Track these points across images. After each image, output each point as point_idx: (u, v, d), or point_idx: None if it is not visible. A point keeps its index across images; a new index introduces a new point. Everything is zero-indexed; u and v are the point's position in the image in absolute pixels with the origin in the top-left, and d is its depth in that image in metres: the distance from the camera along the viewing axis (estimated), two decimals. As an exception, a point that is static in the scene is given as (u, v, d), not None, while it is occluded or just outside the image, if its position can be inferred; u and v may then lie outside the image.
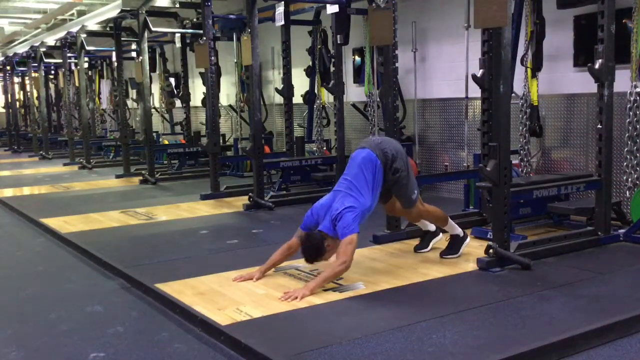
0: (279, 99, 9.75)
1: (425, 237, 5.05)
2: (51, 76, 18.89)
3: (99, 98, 16.65)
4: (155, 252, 5.38)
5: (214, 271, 4.60)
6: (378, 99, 7.81)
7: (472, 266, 4.55)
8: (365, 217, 4.32)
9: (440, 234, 5.02)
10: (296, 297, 3.87)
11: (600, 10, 4.84)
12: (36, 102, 17.28)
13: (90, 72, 16.29)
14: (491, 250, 4.42)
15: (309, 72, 9.33)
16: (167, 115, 13.50)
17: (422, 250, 4.99)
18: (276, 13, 8.07)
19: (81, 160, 12.80)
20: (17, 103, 19.57)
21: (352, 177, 4.35)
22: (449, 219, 4.89)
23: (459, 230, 4.89)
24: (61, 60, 13.93)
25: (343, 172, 4.50)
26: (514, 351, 2.93)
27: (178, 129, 13.19)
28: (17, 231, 6.67)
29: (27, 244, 6.03)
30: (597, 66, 4.88)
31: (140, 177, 9.98)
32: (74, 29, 12.00)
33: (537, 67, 6.20)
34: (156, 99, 13.90)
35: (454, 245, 4.85)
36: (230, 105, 11.88)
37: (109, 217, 7.03)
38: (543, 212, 5.68)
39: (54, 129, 18.71)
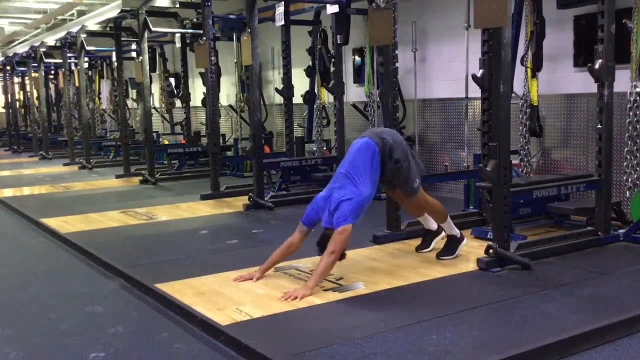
0: (279, 99, 9.76)
1: (427, 237, 5.05)
2: (51, 76, 18.90)
3: (99, 98, 16.66)
4: (155, 252, 5.38)
5: (214, 271, 4.60)
6: (378, 99, 7.81)
7: (472, 266, 4.55)
8: (364, 207, 4.28)
9: (443, 232, 5.01)
10: (296, 297, 3.87)
11: (600, 10, 4.84)
12: (36, 102, 17.28)
13: (90, 72, 16.28)
14: (491, 250, 4.42)
15: (309, 72, 9.33)
16: (167, 115, 13.50)
17: (424, 250, 4.98)
18: (276, 13, 8.08)
19: (81, 160, 12.80)
20: (17, 103, 19.57)
21: (350, 165, 4.35)
22: (448, 217, 4.89)
23: (456, 231, 4.89)
24: (61, 60, 13.93)
25: (343, 159, 4.50)
26: (514, 351, 2.93)
27: (178, 129, 13.19)
28: (17, 231, 6.67)
29: (27, 244, 6.03)
30: (597, 66, 4.88)
31: (140, 177, 9.98)
32: (74, 29, 12.00)
33: (537, 67, 6.20)
34: (156, 99, 13.90)
35: (451, 246, 4.85)
36: (230, 105, 11.88)
37: (109, 217, 7.03)
38: (543, 212, 5.68)
39: (54, 129, 18.71)
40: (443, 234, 5.00)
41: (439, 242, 5.01)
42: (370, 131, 4.64)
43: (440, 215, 4.88)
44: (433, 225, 5.03)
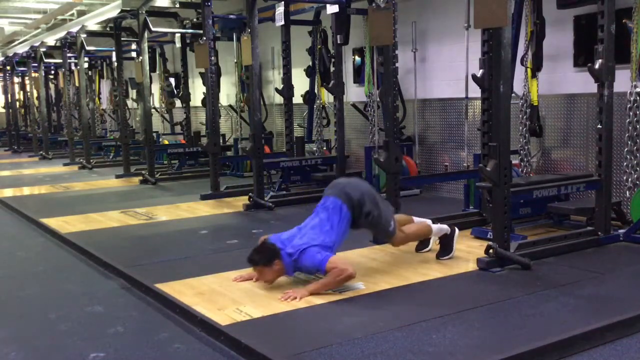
0: (279, 99, 9.75)
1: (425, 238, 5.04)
2: (51, 76, 18.89)
3: (99, 98, 16.65)
4: (155, 252, 5.38)
5: (214, 271, 4.60)
6: (378, 99, 7.81)
7: (472, 266, 4.55)
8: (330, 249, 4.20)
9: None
10: (296, 297, 3.88)
11: (600, 10, 4.84)
12: (36, 102, 17.28)
13: (90, 72, 16.28)
14: (491, 250, 4.42)
15: (309, 72, 9.33)
16: (167, 115, 13.49)
17: (423, 251, 4.98)
18: (276, 13, 8.07)
19: (81, 160, 12.80)
20: (17, 103, 19.57)
21: (318, 221, 4.27)
22: (432, 226, 4.84)
23: (445, 229, 4.84)
24: (61, 60, 13.93)
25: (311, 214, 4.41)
26: (514, 351, 2.93)
27: (178, 129, 13.19)
28: (17, 231, 6.67)
29: (27, 244, 6.03)
30: (597, 66, 4.88)
31: (140, 177, 9.98)
32: (74, 29, 12.00)
33: (537, 67, 6.20)
34: (156, 99, 13.90)
35: (446, 245, 4.82)
36: (230, 105, 11.88)
37: (109, 217, 7.03)
38: (543, 212, 5.68)
39: (54, 129, 18.71)
40: (436, 238, 4.95)
41: (437, 241, 4.99)
42: (336, 187, 4.45)
43: (425, 233, 4.85)
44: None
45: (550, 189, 5.13)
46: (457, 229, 4.90)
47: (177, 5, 10.00)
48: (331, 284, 4.02)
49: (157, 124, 13.54)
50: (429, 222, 4.92)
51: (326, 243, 4.15)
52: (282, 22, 8.12)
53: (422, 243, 5.03)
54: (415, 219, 4.94)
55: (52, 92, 19.41)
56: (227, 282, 4.34)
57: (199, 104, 11.76)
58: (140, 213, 7.21)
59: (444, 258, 4.77)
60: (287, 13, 8.13)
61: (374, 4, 5.38)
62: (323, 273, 4.06)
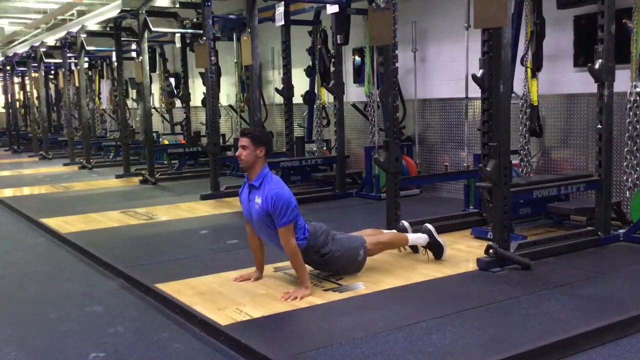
0: (279, 99, 9.75)
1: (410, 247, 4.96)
2: (51, 76, 18.90)
3: (99, 98, 16.65)
4: (155, 252, 5.38)
5: (214, 271, 4.60)
6: (378, 99, 7.81)
7: (472, 266, 4.55)
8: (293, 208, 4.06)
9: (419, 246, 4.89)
10: (296, 297, 3.88)
11: (600, 10, 4.84)
12: (36, 102, 17.28)
13: (90, 72, 16.28)
14: (491, 250, 4.42)
15: (309, 72, 9.33)
16: (167, 115, 13.50)
17: (418, 250, 4.94)
18: (276, 13, 8.08)
19: (81, 160, 12.81)
20: (17, 103, 19.57)
21: None
22: (409, 237, 4.75)
23: (423, 237, 4.75)
24: (61, 60, 13.93)
25: None
26: (514, 351, 2.93)
27: (178, 129, 13.19)
28: (17, 231, 6.67)
29: (27, 244, 6.03)
30: (597, 66, 4.88)
31: (140, 177, 9.98)
32: (74, 29, 12.00)
33: (537, 67, 6.20)
34: (156, 99, 13.90)
35: (434, 246, 4.76)
36: (230, 105, 11.88)
37: (109, 217, 7.03)
38: (543, 212, 5.68)
39: (54, 129, 18.71)
40: (422, 250, 4.86)
41: (422, 251, 4.88)
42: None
43: (402, 243, 4.78)
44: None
45: (550, 189, 5.13)
46: (430, 226, 4.77)
47: (177, 5, 10.00)
48: (298, 262, 4.02)
49: (157, 124, 13.55)
50: (398, 234, 4.84)
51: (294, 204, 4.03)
52: (282, 22, 8.12)
53: (412, 247, 4.98)
54: (385, 232, 4.87)
55: (52, 92, 19.42)
56: (227, 282, 4.34)
57: (199, 104, 11.76)
58: (140, 213, 7.21)
59: (442, 257, 4.75)
60: (287, 13, 8.13)
61: (374, 4, 5.38)
62: (275, 228, 4.00)
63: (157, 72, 13.19)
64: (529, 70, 6.18)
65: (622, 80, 5.38)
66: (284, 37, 8.40)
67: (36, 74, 16.19)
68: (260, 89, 7.54)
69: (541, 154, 6.63)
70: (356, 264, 4.40)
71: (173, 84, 13.22)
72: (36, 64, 15.35)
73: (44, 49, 14.52)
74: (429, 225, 4.81)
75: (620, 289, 4.06)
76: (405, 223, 5.03)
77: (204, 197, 8.06)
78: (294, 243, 4.02)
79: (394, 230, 4.98)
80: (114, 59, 13.28)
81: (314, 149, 9.22)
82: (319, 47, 9.08)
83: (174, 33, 11.42)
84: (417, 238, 4.78)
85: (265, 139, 4.17)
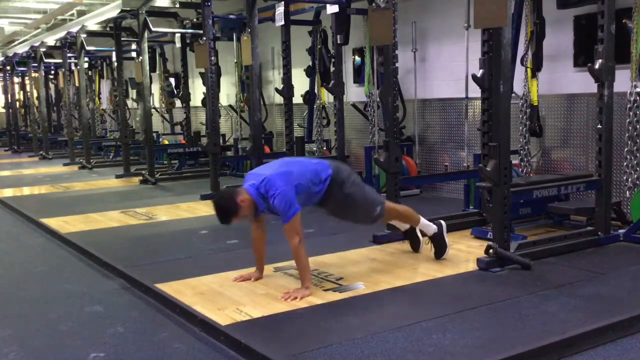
0: (279, 99, 9.75)
1: (411, 237, 4.97)
2: (51, 76, 18.88)
3: (99, 98, 16.65)
4: (155, 252, 5.38)
5: (214, 271, 4.60)
6: (378, 99, 7.81)
7: (472, 266, 4.55)
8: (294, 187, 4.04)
9: (424, 235, 4.91)
10: (296, 297, 3.88)
11: (600, 10, 4.84)
12: (36, 102, 17.27)
13: (90, 72, 16.28)
14: (491, 250, 4.42)
15: (309, 72, 9.33)
16: (167, 115, 13.50)
17: (420, 248, 4.94)
18: (276, 13, 8.07)
19: (81, 160, 12.80)
20: (17, 103, 19.56)
21: (290, 165, 4.19)
22: (421, 218, 4.78)
23: (432, 227, 4.77)
24: (61, 60, 13.93)
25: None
26: (514, 351, 2.93)
27: (178, 129, 13.19)
28: (17, 231, 6.67)
29: (27, 244, 6.03)
30: (597, 66, 4.88)
31: (140, 177, 9.98)
32: (74, 29, 12.00)
33: (537, 67, 6.20)
34: (156, 99, 13.90)
35: (439, 242, 4.77)
36: (230, 105, 11.88)
37: (109, 217, 7.03)
38: (543, 212, 5.68)
39: (54, 129, 18.70)
40: (425, 238, 4.89)
41: (426, 240, 4.91)
42: (333, 161, 4.47)
43: (414, 220, 4.79)
44: (405, 225, 4.96)
45: (550, 189, 5.13)
46: (443, 223, 4.81)
47: (177, 5, 10.00)
48: (301, 259, 4.01)
49: (157, 124, 13.55)
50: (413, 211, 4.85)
51: (291, 175, 4.02)
52: (282, 22, 8.12)
53: (413, 245, 5.00)
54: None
55: (52, 92, 19.40)
56: (227, 282, 4.34)
57: (199, 104, 11.76)
58: (140, 213, 7.21)
59: (444, 257, 4.76)
60: (287, 13, 8.12)
61: (374, 4, 5.38)
62: (283, 223, 4.01)
63: (157, 72, 13.18)
64: (529, 70, 6.18)
65: (622, 80, 5.38)
66: (284, 37, 8.39)
67: (36, 74, 16.18)
68: (260, 89, 7.54)
69: (541, 154, 6.63)
70: (371, 217, 4.46)
71: (173, 84, 13.22)
72: (36, 64, 15.34)
73: (44, 49, 14.51)
74: (443, 222, 4.83)
75: (620, 289, 4.06)
76: (443, 223, 4.91)
77: (204, 197, 8.05)
78: (297, 242, 4.01)
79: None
80: (114, 59, 13.27)
81: (314, 149, 9.21)
82: (319, 47, 9.08)
83: (174, 33, 11.42)
84: (427, 225, 4.78)
85: (227, 202, 4.04)
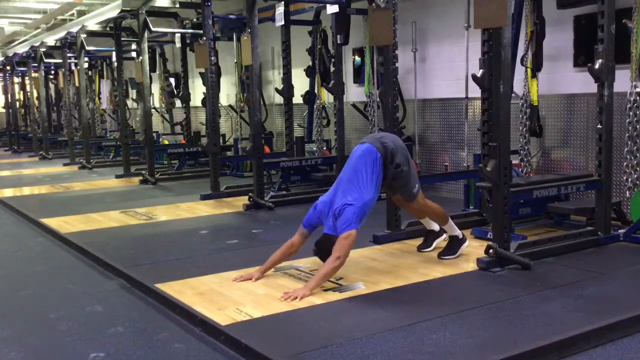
0: (279, 99, 9.76)
1: (429, 237, 5.06)
2: (51, 76, 18.89)
3: (99, 98, 16.65)
4: (155, 252, 5.38)
5: (214, 271, 4.60)
6: (378, 99, 7.81)
7: (472, 266, 4.55)
8: (366, 211, 4.28)
9: (444, 234, 5.02)
10: (296, 297, 3.87)
11: (600, 10, 4.84)
12: (36, 102, 17.28)
13: (90, 72, 16.28)
14: (491, 250, 4.42)
15: (309, 72, 9.34)
16: (167, 115, 13.50)
17: (425, 250, 4.99)
18: (276, 13, 8.07)
19: (81, 160, 12.79)
20: (17, 103, 19.57)
21: (352, 171, 4.36)
22: (450, 219, 4.89)
23: (458, 232, 4.89)
24: (61, 60, 13.93)
25: (344, 166, 4.51)
26: (514, 351, 2.93)
27: (178, 129, 13.19)
28: (17, 231, 6.67)
29: (27, 244, 6.03)
30: (597, 66, 4.88)
31: (140, 177, 9.97)
32: (74, 29, 12.00)
33: (537, 67, 6.20)
34: (156, 99, 13.90)
35: (453, 246, 4.85)
36: (230, 105, 11.88)
37: (109, 217, 7.03)
38: (543, 212, 5.68)
39: (54, 129, 18.71)
40: (445, 236, 5.00)
41: (440, 243, 5.01)
42: (370, 137, 4.64)
43: (442, 217, 4.89)
44: (434, 226, 5.04)
45: (550, 189, 5.13)
46: (468, 241, 4.93)
47: (177, 5, 10.01)
48: (328, 273, 4.07)
49: (157, 124, 13.56)
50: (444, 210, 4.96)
51: (364, 199, 4.23)
52: (282, 22, 8.12)
53: (425, 242, 5.04)
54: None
55: (52, 92, 19.40)
56: (227, 282, 4.34)
57: (199, 104, 11.76)
58: (140, 213, 7.21)
59: (446, 258, 4.77)
60: (287, 13, 8.13)
61: (374, 4, 5.38)
62: (338, 233, 4.13)
63: (157, 72, 13.19)
64: (529, 70, 6.18)
65: (622, 80, 5.38)
66: (284, 37, 8.40)
67: (36, 74, 16.17)
68: (260, 89, 7.53)
69: (541, 154, 6.63)
70: (410, 193, 4.62)
71: (173, 84, 13.22)
72: (36, 64, 15.33)
73: (44, 49, 14.51)
74: (467, 240, 4.94)
75: (620, 289, 4.06)
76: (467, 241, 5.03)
77: (204, 197, 8.05)
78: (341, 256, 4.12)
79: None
80: (114, 59, 13.27)
81: (314, 149, 9.22)
82: (319, 47, 9.08)
83: (174, 33, 11.42)
84: (454, 228, 4.89)
85: (327, 244, 4.26)
